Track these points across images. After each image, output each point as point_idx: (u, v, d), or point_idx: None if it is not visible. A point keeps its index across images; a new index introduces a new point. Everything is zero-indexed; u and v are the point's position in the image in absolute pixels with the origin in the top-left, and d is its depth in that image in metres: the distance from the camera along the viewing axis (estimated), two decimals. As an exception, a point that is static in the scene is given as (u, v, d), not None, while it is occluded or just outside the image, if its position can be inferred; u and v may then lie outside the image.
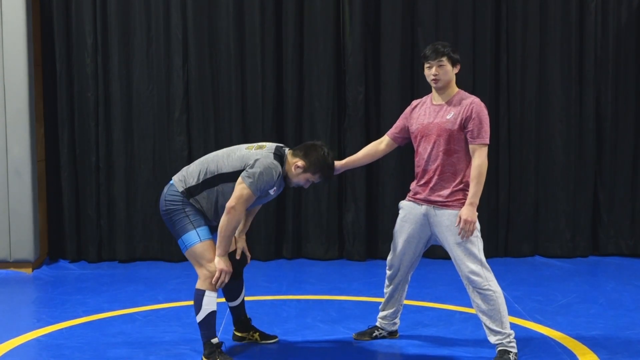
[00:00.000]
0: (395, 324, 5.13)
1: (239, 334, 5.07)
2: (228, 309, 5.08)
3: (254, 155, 4.60)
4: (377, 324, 5.14)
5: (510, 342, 4.61)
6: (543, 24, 7.56)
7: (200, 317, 4.59)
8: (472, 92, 5.31)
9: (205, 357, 4.60)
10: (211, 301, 4.58)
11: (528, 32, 7.57)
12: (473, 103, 4.66)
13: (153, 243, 7.61)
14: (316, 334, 5.25)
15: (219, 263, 4.56)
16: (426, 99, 4.88)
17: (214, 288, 4.59)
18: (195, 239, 4.58)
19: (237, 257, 4.89)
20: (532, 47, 7.56)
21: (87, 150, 7.54)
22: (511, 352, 4.59)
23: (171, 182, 4.74)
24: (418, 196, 4.80)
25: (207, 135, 7.55)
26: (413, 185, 4.86)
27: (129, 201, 7.58)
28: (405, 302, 5.18)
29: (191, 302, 4.85)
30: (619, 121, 7.67)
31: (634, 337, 5.15)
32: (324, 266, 7.47)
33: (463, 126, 4.63)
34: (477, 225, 4.63)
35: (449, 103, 4.72)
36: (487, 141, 4.63)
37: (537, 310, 5.78)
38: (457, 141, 4.65)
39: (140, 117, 7.54)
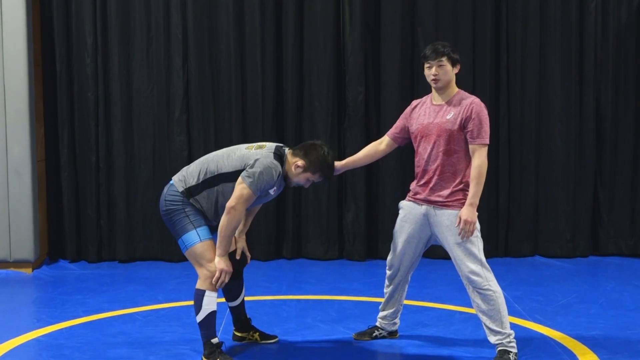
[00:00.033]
0: (395, 324, 5.13)
1: (239, 334, 5.07)
2: (228, 309, 5.07)
3: (254, 155, 4.60)
4: (377, 324, 5.14)
5: (510, 342, 4.61)
6: (543, 24, 7.57)
7: (200, 317, 4.59)
8: (472, 92, 5.31)
9: (205, 357, 4.60)
10: (211, 301, 4.58)
11: (528, 32, 7.57)
12: (473, 103, 4.66)
13: (153, 243, 7.61)
14: (316, 334, 5.24)
15: (219, 263, 4.56)
16: (426, 99, 4.88)
17: (214, 288, 4.59)
18: (196, 239, 4.58)
19: (237, 257, 4.89)
20: (532, 47, 7.56)
21: (87, 150, 7.54)
22: (511, 352, 4.59)
23: (171, 182, 4.74)
24: (418, 196, 4.80)
25: (207, 135, 7.55)
26: (413, 185, 4.86)
27: (129, 201, 7.59)
28: (405, 302, 5.18)
29: (191, 302, 4.85)
30: (619, 121, 7.67)
31: (634, 337, 5.15)
32: (324, 266, 7.47)
33: (463, 126, 4.63)
34: (477, 225, 4.63)
35: (449, 103, 4.72)
36: (487, 141, 4.63)
37: (537, 310, 5.78)
38: (457, 141, 4.65)
39: (140, 117, 7.54)
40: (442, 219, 4.69)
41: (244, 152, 4.66)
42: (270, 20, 7.53)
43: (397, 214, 4.95)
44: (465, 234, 4.59)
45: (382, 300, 5.13)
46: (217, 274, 4.56)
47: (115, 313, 5.78)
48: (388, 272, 5.02)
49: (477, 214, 4.61)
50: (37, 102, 7.35)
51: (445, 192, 4.68)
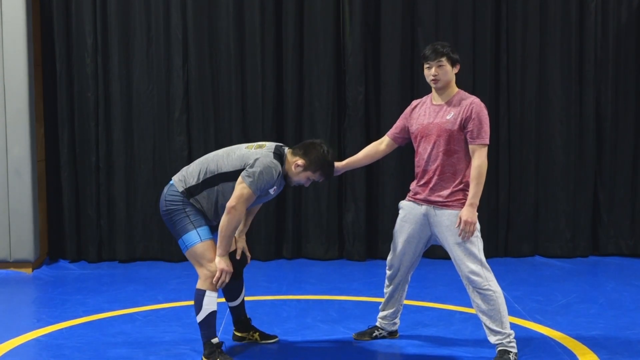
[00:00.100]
0: (395, 324, 5.13)
1: (239, 334, 5.07)
2: (228, 309, 5.07)
3: (253, 154, 4.60)
4: (377, 324, 5.14)
5: (510, 342, 4.61)
6: (543, 24, 7.57)
7: (200, 317, 4.59)
8: (472, 92, 5.31)
9: (205, 357, 4.60)
10: (212, 301, 4.58)
11: (528, 32, 7.57)
12: (473, 103, 4.66)
13: (153, 243, 7.61)
14: (316, 334, 5.24)
15: (220, 263, 4.56)
16: (426, 99, 4.88)
17: (214, 288, 4.59)
18: (196, 239, 4.58)
19: (238, 257, 4.89)
20: (532, 47, 7.56)
21: (87, 150, 7.54)
22: (511, 352, 4.59)
23: (171, 182, 4.74)
24: (418, 196, 4.80)
25: (207, 135, 7.55)
26: (413, 186, 4.86)
27: (129, 201, 7.59)
28: (405, 302, 5.18)
29: (191, 302, 4.85)
30: (619, 121, 7.67)
31: (634, 337, 5.15)
32: (324, 266, 7.47)
33: (463, 126, 4.63)
34: (477, 225, 4.63)
35: (448, 103, 4.72)
36: (487, 141, 4.63)
37: (537, 310, 5.78)
38: (457, 141, 4.65)
39: (140, 117, 7.54)
40: (442, 219, 4.69)
41: (243, 151, 4.66)
42: (270, 20, 7.53)
43: (397, 214, 4.95)
44: (465, 234, 4.59)
45: (382, 300, 5.13)
46: (217, 274, 4.56)
47: (115, 313, 5.78)
48: (388, 272, 5.02)
49: (477, 214, 4.61)
50: (37, 102, 7.35)
51: (445, 192, 4.68)
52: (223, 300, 4.99)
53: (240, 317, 5.04)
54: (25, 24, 7.05)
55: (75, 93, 7.50)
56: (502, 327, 4.61)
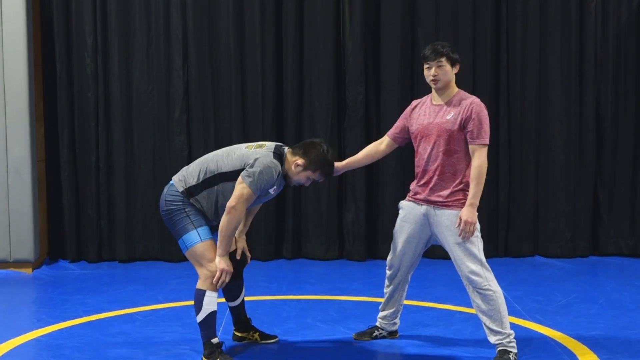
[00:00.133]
0: (395, 324, 5.13)
1: (239, 334, 5.07)
2: (228, 309, 5.07)
3: (253, 154, 4.60)
4: (377, 324, 5.14)
5: (510, 342, 4.61)
6: (543, 24, 7.57)
7: (200, 317, 4.59)
8: (472, 92, 5.31)
9: (205, 357, 4.60)
10: (212, 301, 4.58)
11: (528, 32, 7.57)
12: (473, 103, 4.66)
13: (153, 243, 7.61)
14: (316, 334, 5.24)
15: (220, 263, 4.56)
16: (426, 99, 4.88)
17: (214, 288, 4.59)
18: (196, 239, 4.58)
19: (238, 257, 4.89)
20: (532, 47, 7.57)
21: (87, 150, 7.54)
22: (511, 352, 4.59)
23: (171, 182, 4.74)
24: (418, 196, 4.79)
25: (207, 135, 7.55)
26: (413, 186, 4.86)
27: (129, 201, 7.59)
28: (405, 302, 5.18)
29: (191, 302, 4.85)
30: (619, 121, 7.67)
31: (634, 337, 5.15)
32: (324, 266, 7.47)
33: (463, 126, 4.63)
34: (477, 225, 4.63)
35: (448, 103, 4.72)
36: (487, 141, 4.63)
37: (537, 310, 5.78)
38: (457, 141, 4.65)
39: (140, 117, 7.54)
40: (442, 219, 4.69)
41: (243, 151, 4.66)
42: (270, 20, 7.53)
43: (397, 214, 4.95)
44: (465, 234, 4.59)
45: (382, 300, 5.13)
46: (217, 274, 4.56)
47: (115, 313, 5.78)
48: (388, 272, 5.02)
49: (477, 214, 4.61)
50: (37, 102, 7.35)
51: (445, 192, 4.68)
52: (223, 300, 4.99)
53: (240, 317, 5.04)
54: (25, 24, 7.05)
55: (75, 93, 7.50)
56: (502, 327, 4.61)
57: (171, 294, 6.39)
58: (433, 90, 4.79)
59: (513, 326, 4.90)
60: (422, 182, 4.77)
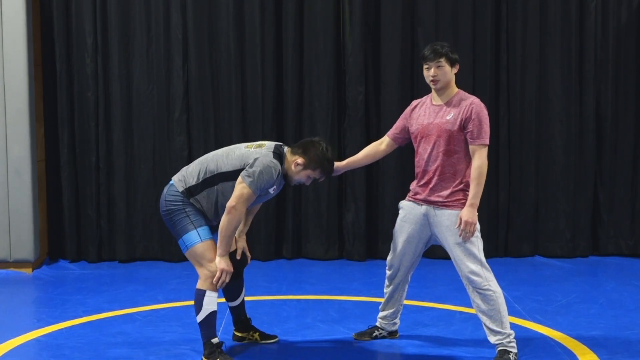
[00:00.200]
0: (395, 324, 5.13)
1: (239, 334, 5.07)
2: (228, 309, 5.07)
3: (253, 154, 4.61)
4: (377, 324, 5.14)
5: (510, 342, 4.61)
6: (543, 24, 7.57)
7: (200, 317, 4.59)
8: (472, 92, 5.31)
9: (205, 357, 4.60)
10: (212, 301, 4.58)
11: (528, 32, 7.57)
12: (473, 104, 4.66)
13: (153, 243, 7.61)
14: (316, 334, 5.24)
15: (220, 263, 4.56)
16: (426, 99, 4.88)
17: (214, 288, 4.59)
18: (196, 239, 4.58)
19: (238, 257, 4.89)
20: (532, 47, 7.56)
21: (87, 150, 7.54)
22: (511, 352, 4.59)
23: (171, 182, 4.74)
24: (418, 196, 4.79)
25: (207, 135, 7.55)
26: (413, 186, 4.86)
27: (129, 201, 7.59)
28: (405, 302, 5.18)
29: (191, 302, 4.85)
30: (619, 121, 7.67)
31: (634, 337, 5.15)
32: (324, 266, 7.47)
33: (463, 127, 4.63)
34: (477, 225, 4.63)
35: (448, 103, 4.72)
36: (487, 142, 4.63)
37: (537, 310, 5.78)
38: (457, 142, 4.65)
39: (140, 117, 7.54)
40: (442, 219, 4.69)
41: (243, 151, 4.67)
42: (270, 20, 7.53)
43: (397, 214, 4.95)
44: (465, 234, 4.59)
45: (382, 300, 5.13)
46: (217, 274, 4.56)
47: (115, 313, 5.78)
48: (388, 272, 5.02)
49: (477, 214, 4.61)
50: (37, 102, 7.35)
51: (445, 192, 4.68)
52: (223, 300, 4.99)
53: (240, 317, 5.05)
54: (25, 24, 7.05)
55: (75, 93, 7.50)
56: (502, 327, 4.61)
57: (171, 294, 6.39)
58: (433, 91, 4.79)
59: (513, 326, 4.90)
60: (422, 182, 4.77)
